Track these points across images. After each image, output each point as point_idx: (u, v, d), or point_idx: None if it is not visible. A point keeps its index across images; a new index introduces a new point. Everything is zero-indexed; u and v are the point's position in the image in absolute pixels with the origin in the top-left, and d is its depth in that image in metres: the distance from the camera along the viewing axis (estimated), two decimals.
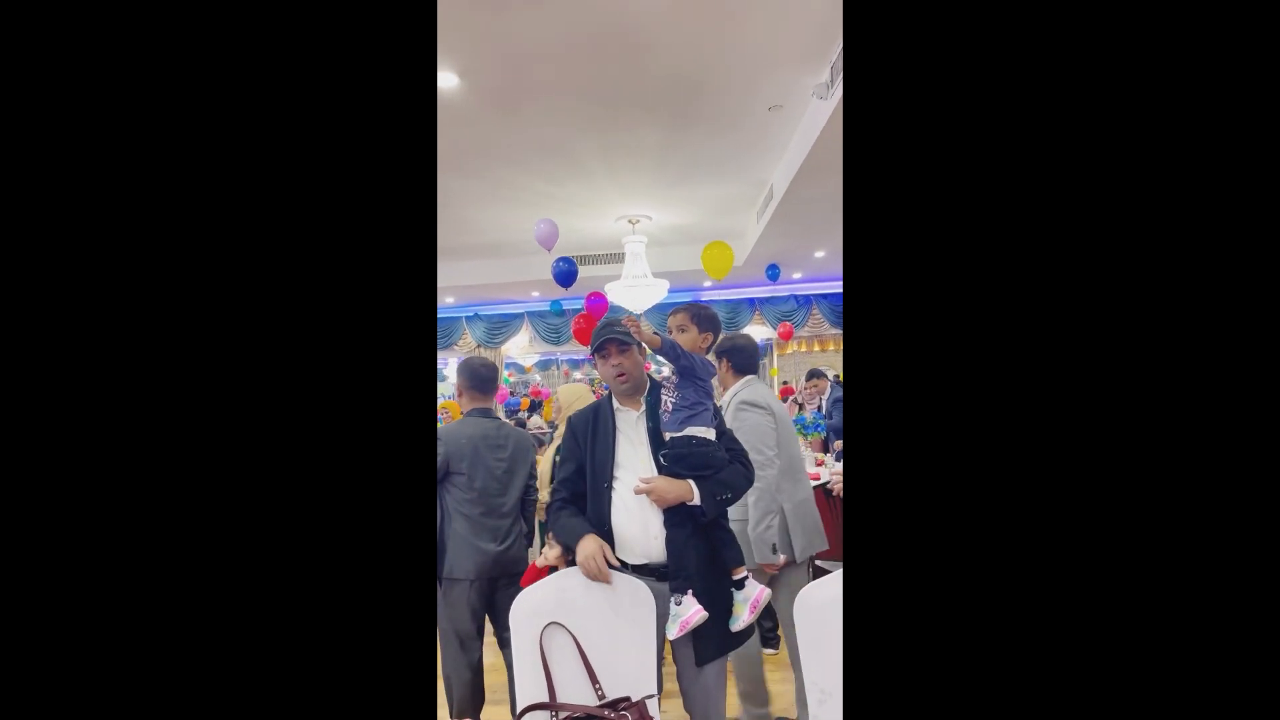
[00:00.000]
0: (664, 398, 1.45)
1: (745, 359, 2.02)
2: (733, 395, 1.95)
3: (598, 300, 4.74)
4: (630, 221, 4.94)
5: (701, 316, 1.54)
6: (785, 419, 1.98)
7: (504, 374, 8.40)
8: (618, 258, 5.39)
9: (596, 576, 1.32)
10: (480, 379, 2.08)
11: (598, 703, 1.25)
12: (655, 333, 1.42)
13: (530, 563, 1.76)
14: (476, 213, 4.72)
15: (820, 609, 1.21)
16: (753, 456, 1.62)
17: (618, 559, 1.39)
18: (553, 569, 1.55)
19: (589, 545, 1.35)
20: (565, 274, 4.53)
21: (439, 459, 1.95)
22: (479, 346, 7.75)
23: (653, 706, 1.26)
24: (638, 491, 1.39)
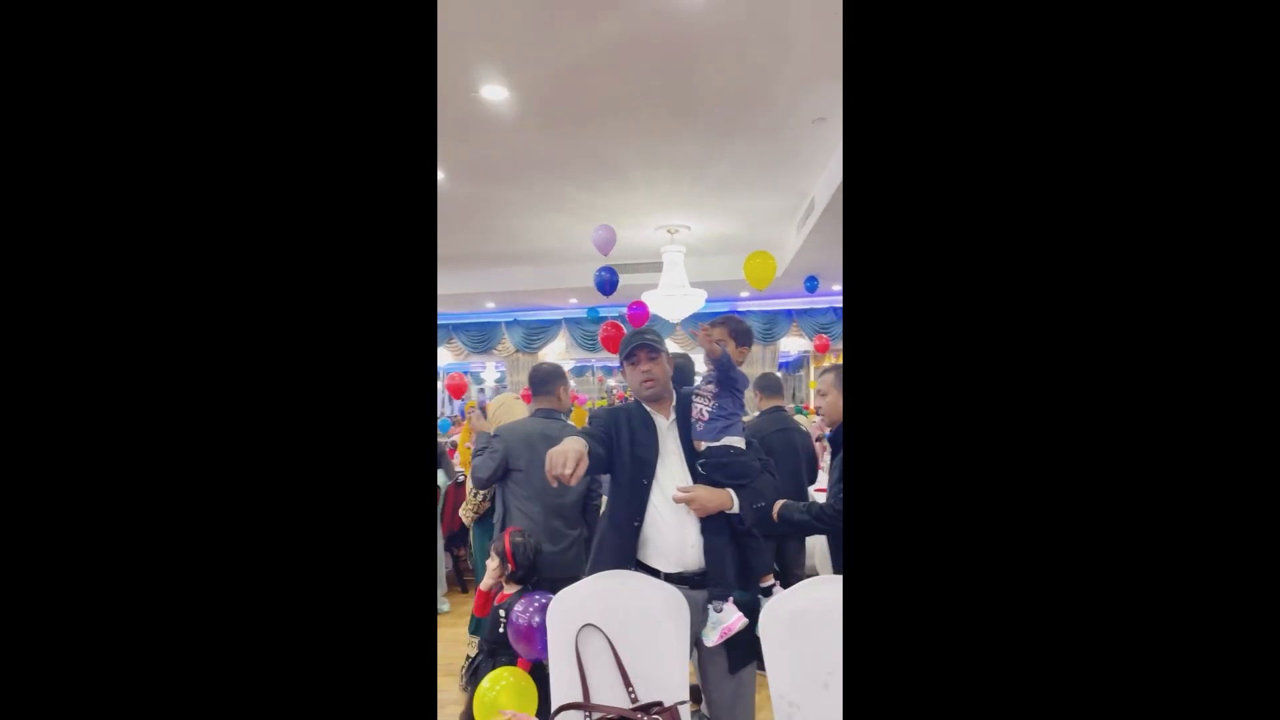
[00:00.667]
0: (698, 407, 1.46)
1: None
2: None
3: (639, 309, 4.78)
4: (669, 231, 4.97)
5: (740, 331, 1.57)
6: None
7: None
8: (655, 266, 5.43)
9: (558, 471, 1.17)
10: (541, 379, 2.14)
11: (631, 705, 1.26)
12: (717, 342, 1.44)
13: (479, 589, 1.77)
14: (520, 221, 4.83)
15: (787, 620, 1.20)
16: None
17: (648, 564, 1.41)
18: (498, 588, 1.58)
19: (570, 443, 1.23)
20: (607, 283, 4.60)
21: (499, 455, 1.99)
22: (517, 351, 7.89)
23: (685, 712, 1.27)
24: (678, 500, 1.40)
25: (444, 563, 3.85)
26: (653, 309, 4.97)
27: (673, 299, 4.80)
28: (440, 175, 3.86)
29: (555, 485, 1.22)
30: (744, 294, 7.02)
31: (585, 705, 1.26)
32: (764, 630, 1.22)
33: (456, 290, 6.58)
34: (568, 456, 1.19)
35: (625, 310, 4.97)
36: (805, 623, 1.20)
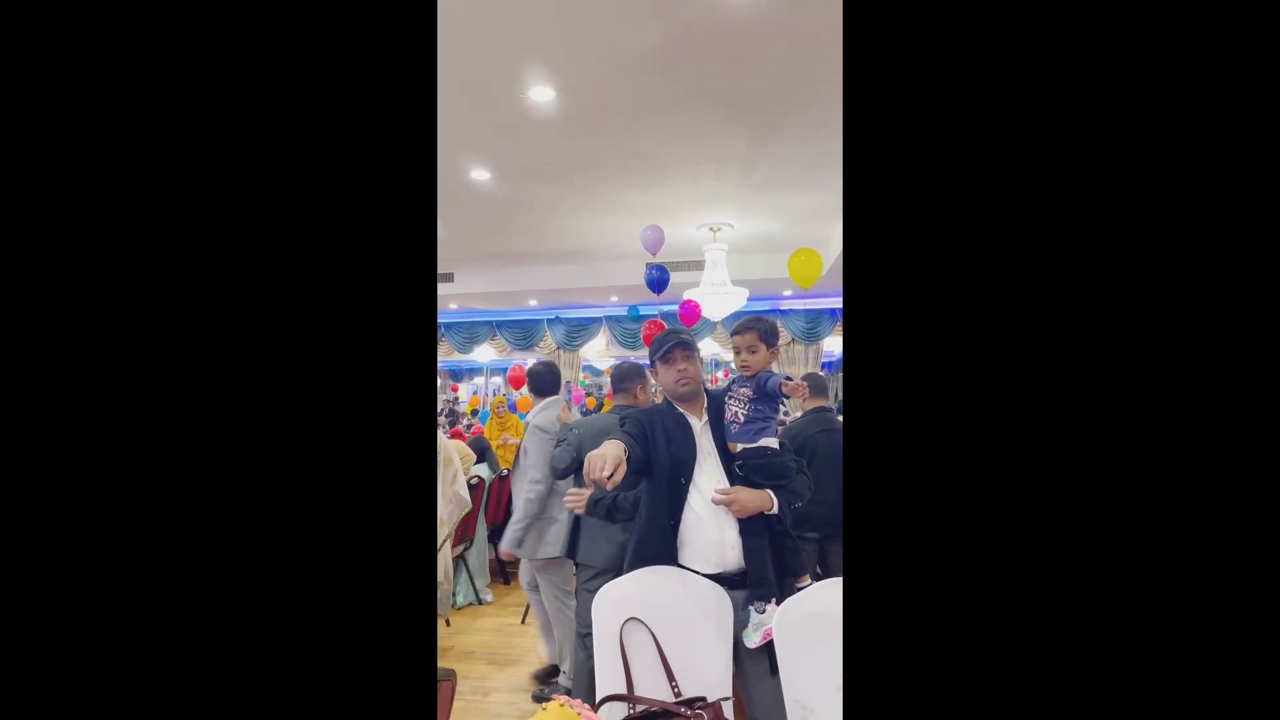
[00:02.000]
0: (733, 409, 1.47)
1: (542, 383, 2.49)
2: (530, 416, 2.39)
3: (689, 307, 4.78)
4: (711, 229, 4.96)
5: (769, 334, 1.56)
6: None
7: (580, 376, 8.62)
8: (697, 264, 5.43)
9: (596, 475, 1.17)
10: (619, 377, 2.27)
11: (674, 699, 1.28)
12: (789, 380, 1.44)
13: None
14: (563, 220, 4.90)
15: (798, 623, 1.19)
16: (531, 474, 2.27)
17: (685, 565, 1.42)
18: None
19: (609, 447, 1.24)
20: (657, 281, 4.61)
21: (573, 449, 2.05)
22: (558, 348, 8.00)
23: (728, 709, 1.29)
24: (718, 502, 1.41)
25: (488, 553, 3.95)
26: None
27: (715, 297, 4.79)
28: (487, 175, 3.95)
29: (593, 489, 1.24)
30: (786, 292, 6.94)
31: (629, 697, 1.29)
32: (777, 633, 1.22)
33: (501, 288, 6.72)
34: (606, 460, 1.20)
35: (661, 309, 4.98)
36: (818, 626, 1.20)
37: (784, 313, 7.30)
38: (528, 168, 3.83)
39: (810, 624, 1.21)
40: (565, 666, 2.41)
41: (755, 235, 5.26)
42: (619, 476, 1.22)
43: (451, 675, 1.05)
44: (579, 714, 0.75)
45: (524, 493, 2.30)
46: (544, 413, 2.39)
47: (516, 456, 2.46)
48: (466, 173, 3.89)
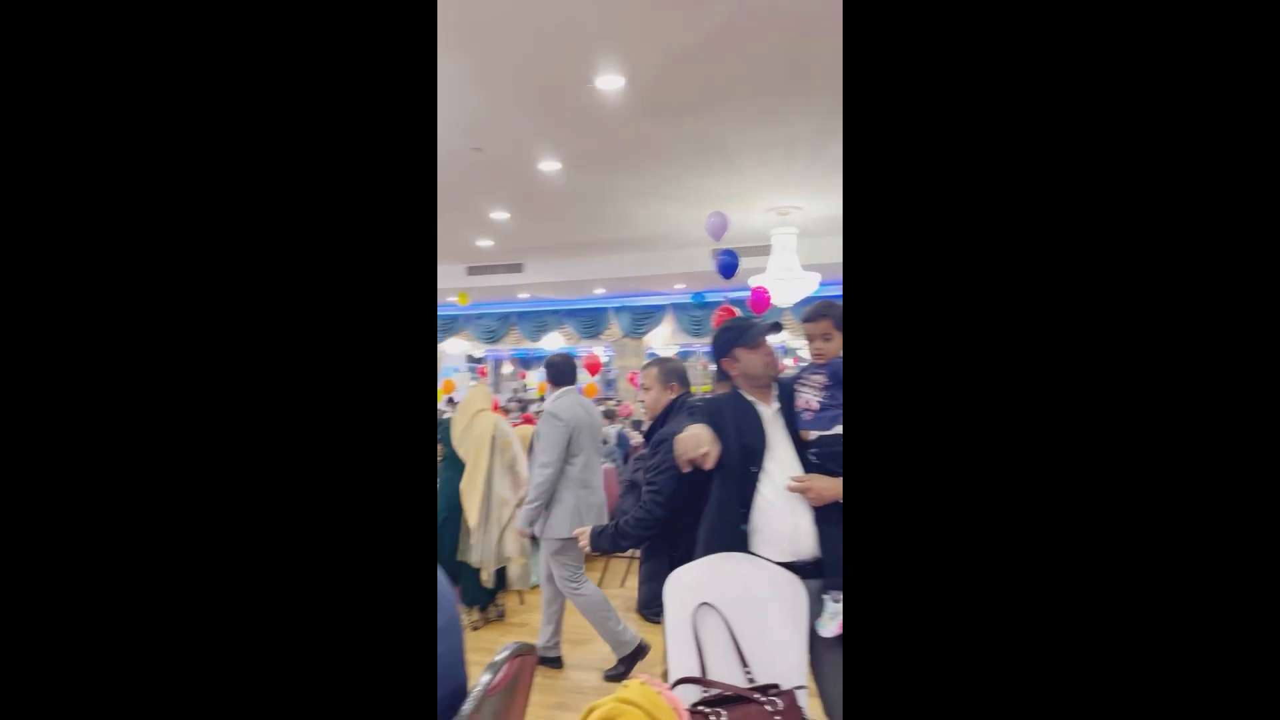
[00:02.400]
0: (805, 397, 1.45)
1: (559, 373, 2.66)
2: (546, 404, 2.59)
3: (761, 294, 4.69)
4: (779, 213, 4.84)
5: (843, 320, 1.52)
6: (585, 427, 2.56)
7: (644, 363, 8.68)
8: (763, 250, 5.32)
9: (690, 455, 1.19)
10: (670, 372, 2.30)
11: (747, 685, 1.29)
12: (826, 337, 1.45)
13: None
14: (629, 208, 4.92)
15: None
16: (541, 458, 2.47)
17: (757, 554, 1.41)
18: None
19: (700, 428, 1.25)
20: (728, 266, 4.54)
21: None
22: (624, 336, 8.07)
23: (802, 698, 1.28)
24: (793, 490, 1.40)
25: None
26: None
27: (785, 282, 4.68)
28: (557, 166, 4.01)
29: (688, 469, 1.26)
30: None
31: (703, 680, 1.30)
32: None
33: (569, 278, 6.85)
34: (701, 440, 1.23)
35: (728, 296, 4.90)
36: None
37: (836, 300, 7.05)
38: (596, 157, 3.87)
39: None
40: (619, 639, 2.51)
41: (826, 217, 5.09)
42: (714, 455, 1.22)
43: (532, 649, 1.09)
44: (659, 692, 0.76)
45: (535, 475, 2.52)
46: (559, 400, 2.59)
47: (531, 441, 2.66)
48: (536, 164, 3.97)
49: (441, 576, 1.05)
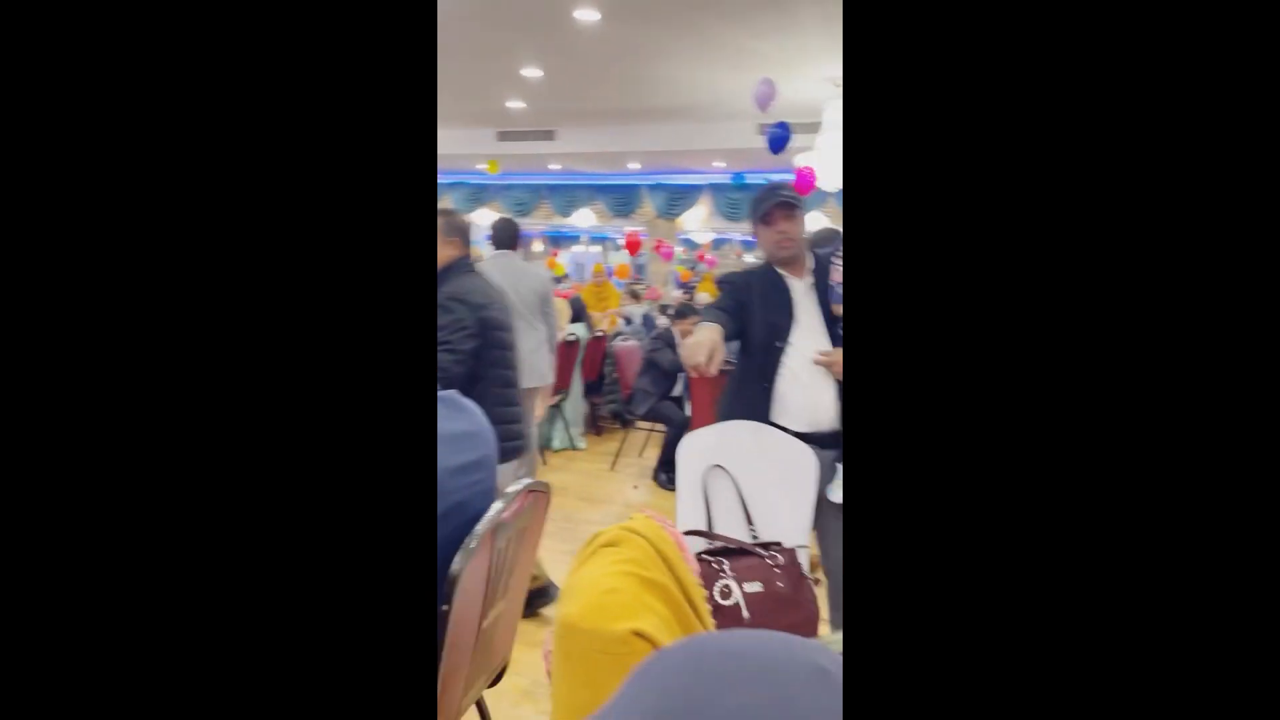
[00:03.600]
0: (840, 270, 1.40)
1: (500, 235, 2.74)
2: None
3: (805, 175, 4.41)
4: (835, 84, 4.43)
5: None
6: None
7: (678, 250, 8.45)
8: (810, 127, 4.93)
9: (700, 364, 1.18)
10: (451, 226, 2.13)
11: (751, 541, 1.35)
12: None
13: None
14: (669, 69, 4.54)
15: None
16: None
17: (777, 423, 1.42)
18: None
19: (707, 332, 1.24)
20: (779, 139, 4.20)
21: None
22: (657, 217, 7.81)
23: (803, 556, 1.34)
24: (819, 364, 1.39)
25: (582, 408, 4.21)
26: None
27: (833, 164, 4.37)
28: (596, 16, 3.66)
29: (695, 376, 1.24)
30: None
31: (708, 534, 1.36)
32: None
33: (602, 148, 6.52)
34: (702, 346, 1.18)
35: (770, 179, 4.63)
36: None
37: None
38: (639, 5, 3.50)
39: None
40: None
41: None
42: (718, 360, 1.21)
43: (546, 487, 1.14)
44: (663, 526, 0.79)
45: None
46: (486, 263, 2.62)
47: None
48: (571, 11, 3.63)
49: (478, 412, 1.07)
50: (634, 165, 7.22)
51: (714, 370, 1.21)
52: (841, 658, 0.30)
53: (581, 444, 4.08)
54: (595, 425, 4.45)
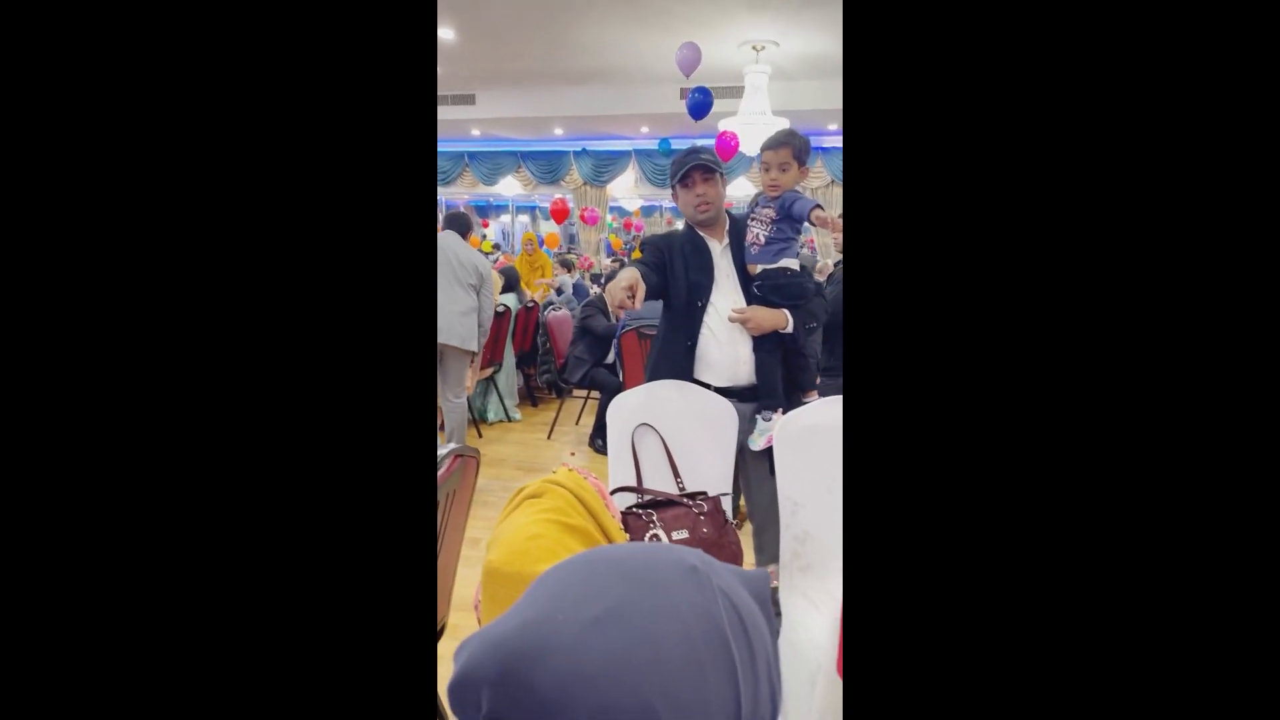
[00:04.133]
0: (754, 231, 1.46)
1: (453, 224, 2.85)
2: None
3: (727, 139, 4.45)
4: (755, 48, 4.47)
5: (803, 151, 1.46)
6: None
7: (607, 218, 8.38)
8: (734, 91, 4.97)
9: (623, 299, 1.24)
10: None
11: (679, 493, 1.42)
12: (820, 209, 1.38)
13: None
14: (593, 32, 4.45)
15: (799, 432, 1.30)
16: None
17: (699, 380, 1.49)
18: None
19: (627, 270, 1.30)
20: (700, 105, 4.21)
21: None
22: (585, 184, 7.71)
23: (726, 503, 1.42)
24: (733, 320, 1.45)
25: (516, 380, 4.18)
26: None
27: (754, 128, 4.45)
28: None
29: (620, 313, 1.27)
30: (831, 126, 6.43)
31: (638, 489, 1.43)
32: (777, 440, 1.31)
33: (525, 113, 6.33)
34: (622, 281, 1.26)
35: (695, 144, 4.66)
36: (815, 436, 1.28)
37: (825, 150, 6.82)
38: None
39: (809, 434, 1.29)
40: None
41: (805, 57, 4.75)
42: (640, 297, 1.25)
43: (476, 453, 1.16)
44: (585, 478, 0.83)
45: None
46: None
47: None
48: None
49: None
50: (559, 131, 7.07)
51: (638, 304, 1.27)
52: (712, 559, 0.34)
53: (517, 415, 4.07)
54: (531, 396, 4.44)
